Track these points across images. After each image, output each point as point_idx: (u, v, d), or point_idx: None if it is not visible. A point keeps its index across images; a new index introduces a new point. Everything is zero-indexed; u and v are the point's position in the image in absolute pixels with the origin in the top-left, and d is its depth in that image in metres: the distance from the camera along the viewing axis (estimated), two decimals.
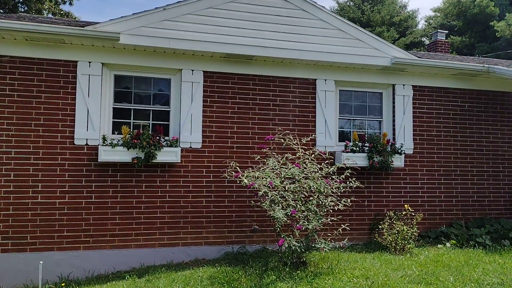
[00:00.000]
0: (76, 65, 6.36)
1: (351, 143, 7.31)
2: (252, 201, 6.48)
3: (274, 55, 6.88)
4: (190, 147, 6.75)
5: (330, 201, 5.77)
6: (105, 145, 6.24)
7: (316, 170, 5.91)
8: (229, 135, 6.95)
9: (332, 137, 7.34)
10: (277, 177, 5.77)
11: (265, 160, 6.23)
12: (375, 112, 7.88)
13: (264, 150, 6.22)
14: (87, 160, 6.32)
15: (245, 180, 5.68)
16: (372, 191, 7.53)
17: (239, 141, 6.99)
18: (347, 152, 7.20)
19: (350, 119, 7.75)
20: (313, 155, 6.03)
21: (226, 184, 6.83)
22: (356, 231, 7.35)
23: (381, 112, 7.88)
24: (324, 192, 5.74)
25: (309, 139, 6.60)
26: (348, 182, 5.85)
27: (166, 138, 6.70)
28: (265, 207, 5.76)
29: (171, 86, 6.92)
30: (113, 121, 6.68)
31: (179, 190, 6.69)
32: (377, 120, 7.88)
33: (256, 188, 5.52)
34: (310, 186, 5.68)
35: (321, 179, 5.84)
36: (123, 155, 6.25)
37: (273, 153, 6.24)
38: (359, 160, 7.13)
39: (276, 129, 7.13)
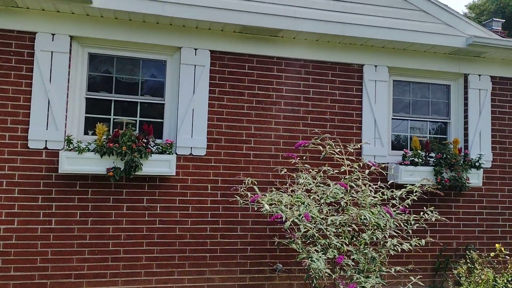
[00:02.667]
0: (34, 38, 4.58)
1: (410, 153, 5.35)
2: (275, 237, 4.63)
3: (308, 29, 4.98)
4: (191, 154, 4.90)
5: (391, 240, 3.84)
6: (69, 150, 4.44)
7: (370, 194, 4.01)
8: (244, 138, 5.08)
9: (384, 144, 5.40)
10: (313, 202, 3.87)
11: (293, 175, 4.35)
12: (439, 110, 5.90)
13: (293, 160, 4.33)
14: (46, 170, 4.53)
15: (267, 207, 3.80)
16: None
17: (258, 147, 5.11)
18: (406, 164, 5.24)
19: (406, 120, 5.79)
20: (366, 171, 4.11)
21: (239, 205, 4.96)
22: (414, 272, 5.36)
23: (447, 111, 5.89)
24: (386, 227, 3.82)
25: (358, 146, 4.69)
26: (422, 214, 3.92)
27: (158, 141, 4.87)
28: (294, 247, 3.88)
29: (166, 71, 5.09)
30: (86, 117, 4.88)
31: (173, 213, 4.84)
32: (441, 122, 5.90)
33: (284, 219, 3.63)
34: (365, 218, 3.76)
35: (379, 206, 3.93)
36: (94, 165, 4.44)
37: (306, 165, 4.35)
38: (422, 176, 5.17)
39: (307, 131, 5.24)
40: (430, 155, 5.36)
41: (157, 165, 4.60)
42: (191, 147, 4.90)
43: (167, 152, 4.69)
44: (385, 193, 3.94)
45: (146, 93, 5.09)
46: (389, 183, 4.76)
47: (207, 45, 5.00)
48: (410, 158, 5.28)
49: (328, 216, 3.80)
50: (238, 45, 5.11)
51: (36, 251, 4.48)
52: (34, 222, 4.49)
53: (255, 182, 4.24)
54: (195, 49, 4.97)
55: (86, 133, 4.88)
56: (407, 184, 4.30)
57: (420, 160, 5.28)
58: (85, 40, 4.80)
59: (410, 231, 3.94)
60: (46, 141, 4.53)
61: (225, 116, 5.05)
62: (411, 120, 5.79)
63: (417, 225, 3.95)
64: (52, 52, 4.59)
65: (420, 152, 5.31)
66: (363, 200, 3.88)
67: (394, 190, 4.01)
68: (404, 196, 4.21)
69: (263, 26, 4.87)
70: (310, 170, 4.40)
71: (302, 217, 3.51)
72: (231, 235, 4.98)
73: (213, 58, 5.04)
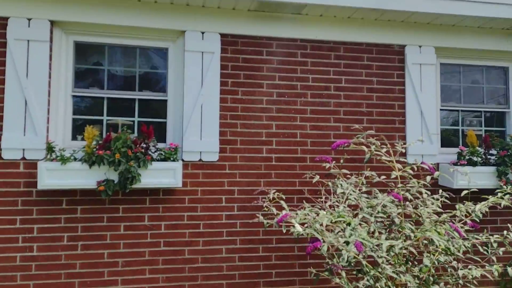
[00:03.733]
0: (6, 24, 3.76)
1: (466, 149, 4.40)
2: (310, 268, 3.77)
3: (338, 3, 4.06)
4: (200, 160, 4.04)
5: (468, 270, 2.92)
6: (50, 160, 3.61)
7: (432, 206, 3.10)
8: (263, 139, 4.20)
9: (433, 141, 4.46)
10: (357, 220, 2.98)
11: (328, 182, 3.47)
12: (495, 98, 4.94)
13: (327, 164, 3.44)
14: (25, 185, 3.71)
15: (298, 228, 2.91)
16: (496, 231, 4.59)
17: (281, 149, 4.22)
18: (462, 164, 4.29)
19: (457, 110, 4.84)
20: (427, 177, 3.19)
21: (259, 221, 4.10)
22: None
23: (506, 99, 4.92)
24: (457, 250, 2.90)
25: (410, 144, 3.77)
26: (506, 233, 2.99)
27: (160, 145, 4.02)
28: (338, 281, 3.01)
29: (168, 61, 4.23)
30: (74, 119, 4.06)
31: (181, 233, 3.98)
32: (499, 111, 4.93)
33: (325, 248, 2.74)
34: (431, 242, 2.84)
35: (447, 223, 3.01)
36: (82, 177, 3.60)
37: (343, 169, 3.46)
38: (482, 178, 4.24)
39: (340, 128, 4.33)
40: (490, 152, 4.40)
41: (159, 175, 3.75)
42: (201, 152, 4.04)
43: (172, 159, 3.83)
44: (458, 207, 3.01)
45: (145, 88, 4.24)
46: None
47: (217, 27, 4.12)
48: (467, 156, 4.33)
49: (380, 240, 2.89)
50: (253, 27, 4.22)
51: (15, 285, 3.66)
52: (12, 249, 3.67)
53: (282, 195, 3.35)
54: (202, 33, 4.09)
55: (74, 138, 4.06)
56: (464, 189, 3.35)
57: (479, 159, 4.33)
58: (69, 25, 3.97)
59: (494, 258, 3.02)
60: (23, 150, 3.71)
61: (241, 112, 4.17)
62: (462, 110, 4.83)
63: (502, 249, 3.02)
64: (28, 41, 3.76)
65: (478, 148, 4.36)
66: (426, 218, 2.97)
67: (470, 203, 3.06)
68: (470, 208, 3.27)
69: (284, 1, 3.97)
70: (348, 175, 3.51)
71: (352, 246, 2.61)
72: (251, 257, 4.11)
73: (224, 43, 4.16)
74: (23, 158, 3.71)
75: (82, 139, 3.90)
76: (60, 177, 3.55)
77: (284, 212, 2.98)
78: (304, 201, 4.06)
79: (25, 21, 3.76)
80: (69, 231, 3.77)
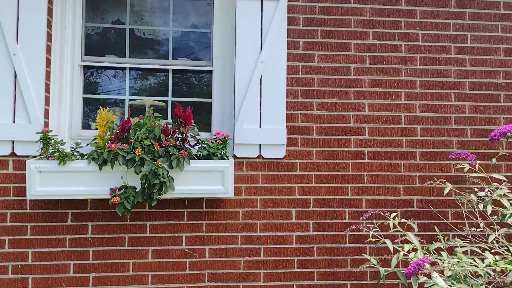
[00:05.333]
0: None
1: None
2: None
3: None
4: (259, 156, 2.78)
5: None
6: (45, 158, 2.48)
7: None
8: (351, 125, 2.87)
9: None
10: None
11: (467, 195, 2.10)
12: None
13: (466, 165, 2.06)
14: (16, 192, 2.63)
15: (442, 284, 1.56)
16: None
17: (377, 139, 2.87)
18: None
19: None
20: None
21: (347, 243, 2.81)
22: None
23: None
24: None
25: None
26: None
27: (202, 135, 2.81)
28: None
29: (213, 15, 2.98)
30: (84, 99, 2.93)
31: (233, 261, 2.76)
32: None
33: None
34: None
35: None
36: (89, 182, 2.45)
37: (493, 174, 2.07)
38: None
39: (465, 109, 2.91)
40: None
41: (201, 179, 2.53)
42: (260, 145, 2.78)
43: (218, 155, 2.60)
44: None
45: (182, 55, 3.03)
46: None
47: None
48: None
49: None
50: None
51: None
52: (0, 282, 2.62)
53: (412, 223, 2.03)
54: None
55: (87, 126, 2.94)
56: None
57: None
58: None
59: None
60: (13, 142, 2.62)
61: (317, 87, 2.86)
62: None
63: None
64: None
65: None
66: None
67: None
68: None
69: None
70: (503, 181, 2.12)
71: None
72: None
73: None
74: (13, 154, 2.62)
75: (97, 128, 2.75)
76: (58, 182, 2.42)
77: (414, 255, 1.65)
78: (410, 218, 2.71)
79: None
80: (77, 257, 2.65)
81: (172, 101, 2.98)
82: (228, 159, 2.59)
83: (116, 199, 2.36)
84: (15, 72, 2.61)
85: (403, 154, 2.88)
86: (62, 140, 2.46)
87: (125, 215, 2.60)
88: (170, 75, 2.99)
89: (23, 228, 2.62)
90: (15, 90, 2.62)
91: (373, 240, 2.04)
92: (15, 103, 2.62)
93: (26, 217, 2.63)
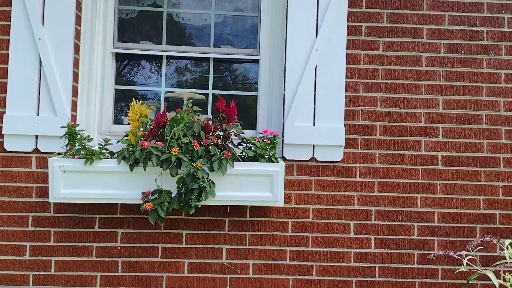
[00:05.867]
0: None
1: None
2: None
3: None
4: (313, 159, 2.39)
5: None
6: (71, 156, 2.17)
7: None
8: (422, 125, 2.43)
9: None
10: None
11: None
12: None
13: None
14: (39, 193, 2.34)
15: None
16: None
17: (453, 142, 2.43)
18: None
19: None
20: None
21: (416, 263, 2.38)
22: None
23: None
24: None
25: None
26: None
27: (246, 133, 2.45)
28: None
29: None
30: (116, 90, 2.63)
31: (281, 280, 2.38)
32: None
33: None
34: None
35: None
36: (118, 185, 2.12)
37: None
38: None
39: None
40: None
41: (245, 183, 2.17)
42: (314, 146, 2.39)
43: (266, 157, 2.22)
44: None
45: (225, 42, 2.68)
46: None
47: None
48: None
49: None
50: None
51: None
52: None
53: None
54: None
55: (118, 121, 2.64)
56: None
57: None
58: None
59: None
60: (36, 137, 2.34)
61: (382, 79, 2.44)
62: None
63: None
64: None
65: None
66: None
67: None
68: None
69: None
70: None
71: None
72: None
73: None
74: (36, 151, 2.34)
75: (129, 123, 2.43)
76: (84, 184, 2.11)
77: None
78: (496, 238, 2.27)
79: None
80: (105, 269, 2.35)
81: (212, 94, 2.63)
82: (277, 162, 2.22)
83: (149, 205, 2.03)
84: (40, 58, 2.33)
85: (484, 160, 2.42)
86: (89, 136, 2.15)
87: (158, 223, 2.26)
88: (211, 65, 2.64)
89: (46, 233, 2.34)
90: (40, 78, 2.34)
91: (466, 270, 1.62)
92: (39, 94, 2.33)
93: (49, 222, 2.34)
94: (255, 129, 2.61)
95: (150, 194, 2.09)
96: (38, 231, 2.34)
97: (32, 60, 2.33)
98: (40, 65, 2.34)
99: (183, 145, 2.09)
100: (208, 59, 2.64)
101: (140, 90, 2.67)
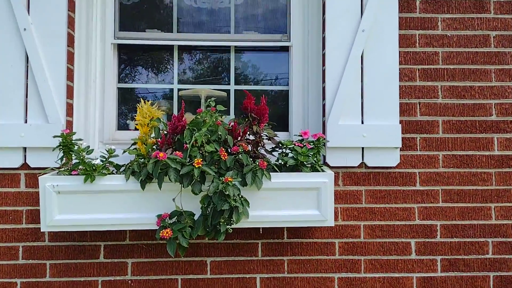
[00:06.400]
0: None
1: None
2: None
3: None
4: (362, 163, 1.96)
5: None
6: (65, 172, 1.74)
7: None
8: (493, 118, 1.99)
9: None
10: None
11: None
12: None
13: None
14: (30, 218, 1.91)
15: None
16: None
17: None
18: None
19: None
20: None
21: None
22: None
23: None
24: None
25: None
26: None
27: (279, 138, 2.01)
28: None
29: None
30: (119, 90, 2.19)
31: None
32: None
33: None
34: None
35: None
36: (125, 207, 1.69)
37: None
38: None
39: None
40: None
41: (284, 200, 1.73)
42: (363, 148, 1.95)
43: (307, 164, 1.78)
44: None
45: (247, 28, 2.24)
46: None
47: None
48: None
49: None
50: None
51: None
52: None
53: None
54: None
55: (123, 126, 2.21)
56: None
57: None
58: None
59: None
60: (24, 149, 1.91)
61: (443, 64, 2.00)
62: None
63: None
64: None
65: None
66: None
67: None
68: None
69: None
70: None
71: None
72: None
73: None
74: (25, 166, 1.91)
75: (137, 129, 1.98)
76: (83, 207, 1.68)
77: None
78: None
79: None
80: None
81: (235, 90, 2.20)
82: (323, 171, 1.78)
83: (167, 232, 1.59)
84: (26, 53, 1.90)
85: None
86: (88, 147, 1.72)
87: (179, 254, 1.83)
88: (232, 55, 2.21)
89: (40, 267, 1.91)
90: (27, 78, 1.91)
91: None
92: (26, 96, 1.91)
93: (44, 252, 1.91)
94: (287, 131, 2.17)
95: (168, 218, 1.66)
96: (30, 264, 1.91)
97: (17, 56, 1.90)
98: (27, 62, 1.91)
99: (207, 154, 1.66)
100: (228, 48, 2.21)
101: (148, 89, 2.24)
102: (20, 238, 1.91)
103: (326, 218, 1.73)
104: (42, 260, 1.91)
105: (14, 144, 1.88)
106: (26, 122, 1.90)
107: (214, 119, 1.74)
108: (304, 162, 1.77)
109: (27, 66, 1.91)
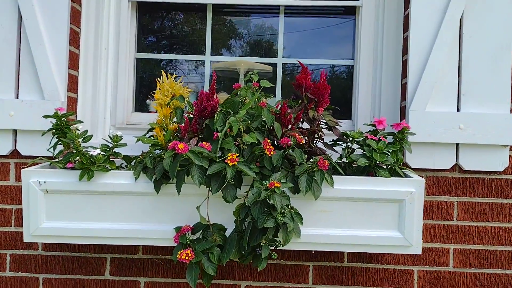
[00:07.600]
0: None
1: None
2: None
3: None
4: (455, 166, 1.43)
5: None
6: (60, 164, 1.31)
7: None
8: None
9: None
10: None
11: None
12: None
13: None
14: (21, 220, 1.51)
15: None
16: None
17: None
18: None
19: None
20: None
21: None
22: None
23: None
24: None
25: None
26: None
27: (343, 128, 1.51)
28: None
29: None
30: (138, 61, 1.75)
31: None
32: None
33: None
34: None
35: None
36: (134, 215, 1.24)
37: None
38: None
39: None
40: None
41: (350, 214, 1.23)
42: (458, 145, 1.42)
43: (384, 166, 1.27)
44: None
45: None
46: None
47: None
48: None
49: None
50: None
51: None
52: None
53: None
54: None
55: (141, 107, 1.76)
56: None
57: None
58: None
59: None
60: (15, 132, 1.50)
61: None
62: None
63: None
64: None
65: None
66: None
67: None
68: None
69: None
70: None
71: None
72: None
73: None
74: (15, 153, 1.51)
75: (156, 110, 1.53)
76: (79, 212, 1.25)
77: None
78: None
79: None
80: None
81: (282, 63, 1.71)
82: (408, 176, 1.27)
83: (187, 254, 1.13)
84: (19, 9, 1.48)
85: None
86: (86, 131, 1.28)
87: (204, 284, 1.37)
88: (282, 18, 1.71)
89: (31, 281, 1.51)
90: (19, 41, 1.49)
91: None
92: (18, 65, 1.49)
93: (36, 264, 1.51)
94: (349, 118, 1.67)
95: (189, 232, 1.20)
96: (19, 278, 1.51)
97: (7, 12, 1.49)
98: (20, 20, 1.49)
99: (245, 147, 1.18)
100: (275, 8, 1.71)
101: (173, 61, 1.79)
102: (8, 245, 1.52)
103: (410, 243, 1.22)
104: (33, 274, 1.51)
105: (2, 125, 1.48)
106: (17, 97, 1.49)
107: (257, 99, 1.25)
108: (380, 163, 1.26)
109: (20, 26, 1.49)
